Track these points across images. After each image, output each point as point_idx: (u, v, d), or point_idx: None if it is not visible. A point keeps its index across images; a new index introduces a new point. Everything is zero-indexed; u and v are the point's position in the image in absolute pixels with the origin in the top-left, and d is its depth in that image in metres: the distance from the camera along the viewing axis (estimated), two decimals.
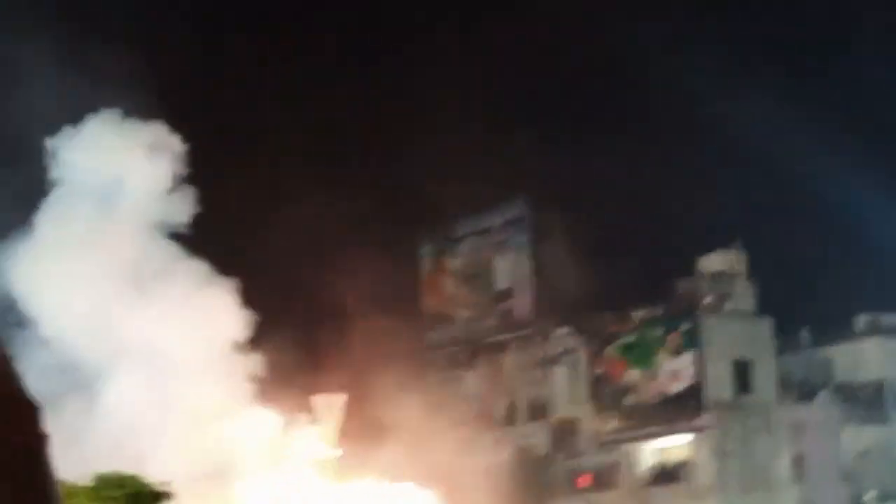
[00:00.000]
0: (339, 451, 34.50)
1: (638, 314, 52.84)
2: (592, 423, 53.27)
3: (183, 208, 31.20)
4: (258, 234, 40.74)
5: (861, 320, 55.90)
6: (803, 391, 53.14)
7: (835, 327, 56.36)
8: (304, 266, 40.61)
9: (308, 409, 36.99)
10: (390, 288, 48.72)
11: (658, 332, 51.75)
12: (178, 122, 32.50)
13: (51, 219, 29.64)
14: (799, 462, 51.03)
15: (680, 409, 50.29)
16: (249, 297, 34.60)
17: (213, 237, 36.22)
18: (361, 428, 37.79)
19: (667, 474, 51.50)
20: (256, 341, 33.39)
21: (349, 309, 39.53)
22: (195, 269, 31.30)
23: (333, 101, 53.90)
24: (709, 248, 54.11)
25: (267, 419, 32.40)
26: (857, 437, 52.93)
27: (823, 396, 52.62)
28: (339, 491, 32.29)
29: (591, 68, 61.55)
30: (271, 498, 29.68)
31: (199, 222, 32.45)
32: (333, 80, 55.15)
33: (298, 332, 40.88)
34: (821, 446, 51.10)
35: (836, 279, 60.98)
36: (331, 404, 37.39)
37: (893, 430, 53.63)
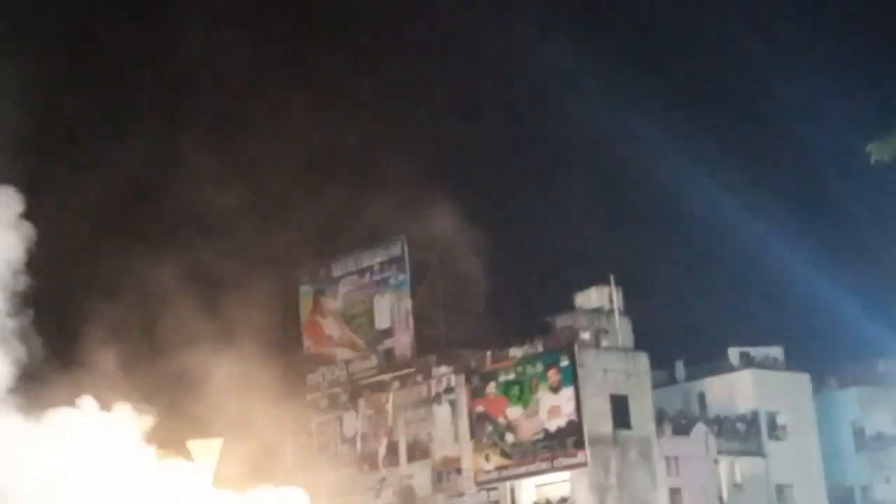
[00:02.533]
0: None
1: (517, 351, 53.17)
2: (474, 462, 53.31)
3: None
4: (132, 269, 39.87)
5: (734, 353, 57.19)
6: (679, 424, 54.02)
7: (709, 360, 57.63)
8: (181, 301, 39.91)
9: (185, 454, 36.34)
10: (270, 329, 48.18)
11: (538, 368, 52.13)
12: None
13: None
14: (676, 494, 51.75)
15: (560, 445, 50.63)
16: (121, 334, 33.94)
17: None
18: (239, 472, 37.17)
19: None
20: (127, 380, 32.67)
21: (226, 349, 38.91)
22: None
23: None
24: (586, 284, 54.83)
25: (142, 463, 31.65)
26: (733, 469, 54.00)
27: (699, 429, 53.55)
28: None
29: (468, 99, 62.00)
30: None
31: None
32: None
33: (174, 370, 40.23)
34: (697, 479, 51.94)
35: (710, 313, 62.38)
36: (207, 448, 36.77)
37: (768, 461, 54.83)
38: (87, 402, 30.23)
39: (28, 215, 28.72)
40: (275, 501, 32.37)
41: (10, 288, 27.99)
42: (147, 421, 31.10)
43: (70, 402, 30.05)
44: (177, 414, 36.87)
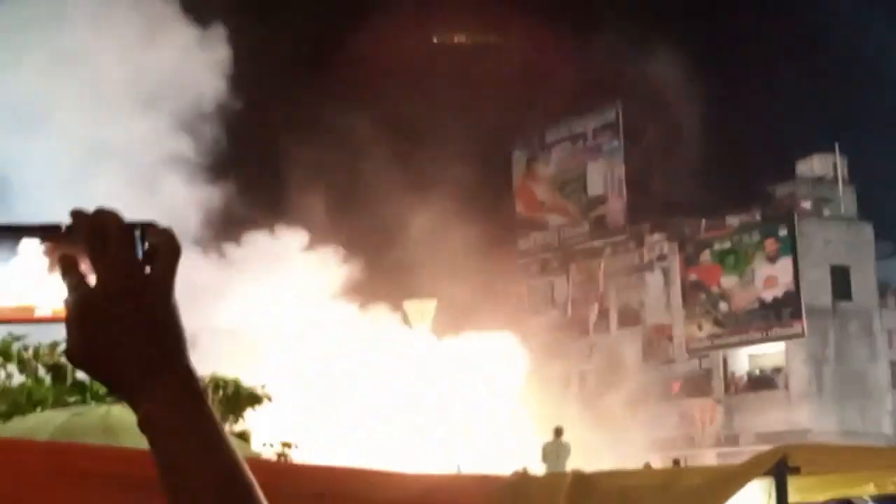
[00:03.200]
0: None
1: (734, 220, 52.03)
2: (686, 330, 52.91)
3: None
4: (345, 142, 40.60)
5: None
6: None
7: None
8: (394, 169, 40.49)
9: (401, 313, 37.28)
10: (483, 193, 48.54)
11: (754, 237, 50.94)
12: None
13: None
14: None
15: (776, 315, 49.65)
16: (342, 206, 34.75)
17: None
18: (452, 332, 37.92)
19: (761, 381, 51.09)
20: (350, 247, 33.56)
21: (441, 214, 39.40)
22: None
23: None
24: (808, 152, 53.00)
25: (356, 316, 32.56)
26: None
27: None
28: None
29: None
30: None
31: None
32: None
33: (390, 237, 41.06)
34: None
35: None
36: (422, 309, 37.64)
37: None
38: (294, 237, 31.15)
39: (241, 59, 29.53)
40: (486, 345, 32.96)
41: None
42: (353, 269, 31.92)
43: (274, 236, 31.04)
44: (386, 267, 37.76)
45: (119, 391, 1.28)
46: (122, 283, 1.24)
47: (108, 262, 1.24)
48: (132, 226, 1.26)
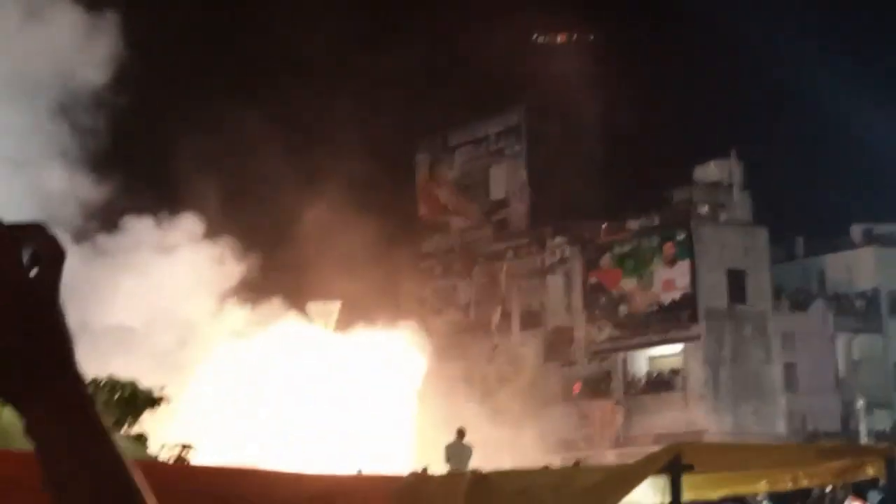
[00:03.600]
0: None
1: (633, 224, 52.77)
2: (586, 332, 53.50)
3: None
4: (246, 134, 40.15)
5: (856, 230, 55.92)
6: (797, 300, 53.35)
7: (830, 237, 56.45)
8: (298, 168, 40.20)
9: (304, 314, 37.00)
10: (384, 194, 48.46)
11: (653, 241, 51.74)
12: None
13: None
14: (791, 370, 51.39)
15: (674, 318, 50.47)
16: (238, 204, 34.34)
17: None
18: (350, 330, 37.72)
19: (659, 382, 51.87)
20: (245, 243, 33.11)
21: (340, 213, 39.19)
22: None
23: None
24: (704, 158, 53.90)
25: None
26: (850, 347, 53.31)
27: (817, 305, 52.84)
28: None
29: None
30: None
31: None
32: None
33: (289, 237, 40.73)
34: (813, 355, 51.42)
35: (832, 188, 60.95)
36: (326, 311, 37.43)
37: (887, 339, 53.94)
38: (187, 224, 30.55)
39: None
40: (389, 340, 32.80)
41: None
42: (246, 266, 31.51)
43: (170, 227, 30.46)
44: (282, 264, 37.40)
45: (4, 397, 1.26)
46: (4, 290, 1.22)
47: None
48: (14, 228, 1.23)
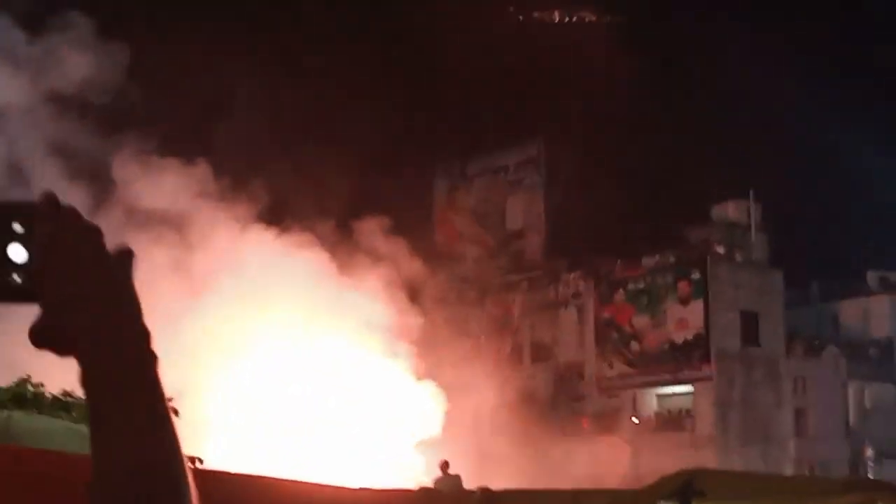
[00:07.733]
0: None
1: (648, 261, 52.67)
2: (597, 368, 53.32)
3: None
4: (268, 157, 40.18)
5: (872, 276, 55.77)
6: (810, 345, 53.11)
7: (845, 283, 56.29)
8: (314, 189, 40.18)
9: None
10: (402, 221, 48.39)
11: (668, 279, 51.60)
12: None
13: None
14: (801, 415, 51.10)
15: (685, 357, 50.27)
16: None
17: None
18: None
19: (668, 422, 51.61)
20: None
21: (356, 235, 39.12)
22: None
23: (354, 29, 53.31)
24: (723, 198, 53.85)
25: None
26: (862, 394, 53.01)
27: (830, 351, 52.58)
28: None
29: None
30: None
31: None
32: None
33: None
34: (824, 401, 51.14)
35: (849, 234, 60.80)
36: None
37: None
38: None
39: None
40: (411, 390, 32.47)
41: None
42: None
43: None
44: None
45: (69, 345, 1.26)
46: (92, 243, 1.27)
47: (81, 227, 1.27)
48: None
